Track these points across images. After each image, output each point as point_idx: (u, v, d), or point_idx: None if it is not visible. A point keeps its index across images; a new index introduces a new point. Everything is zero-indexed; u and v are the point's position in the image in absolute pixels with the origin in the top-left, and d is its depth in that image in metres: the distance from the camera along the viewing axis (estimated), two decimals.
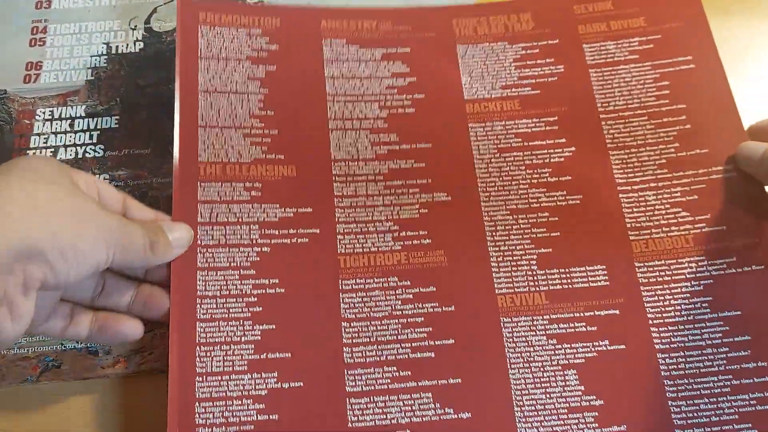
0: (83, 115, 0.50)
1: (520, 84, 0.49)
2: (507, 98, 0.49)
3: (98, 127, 0.50)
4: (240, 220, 0.44)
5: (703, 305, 0.42)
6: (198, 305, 0.41)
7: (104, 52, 0.53)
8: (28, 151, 0.49)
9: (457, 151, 0.47)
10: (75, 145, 0.50)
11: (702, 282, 0.43)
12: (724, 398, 0.41)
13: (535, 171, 0.47)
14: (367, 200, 0.46)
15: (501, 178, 0.46)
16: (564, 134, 0.47)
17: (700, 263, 0.43)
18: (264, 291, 0.42)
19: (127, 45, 0.53)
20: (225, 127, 0.46)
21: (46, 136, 0.50)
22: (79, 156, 0.49)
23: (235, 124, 0.46)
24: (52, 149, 0.50)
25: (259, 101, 0.47)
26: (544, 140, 0.47)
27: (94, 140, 0.50)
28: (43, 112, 0.51)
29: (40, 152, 0.49)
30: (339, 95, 0.48)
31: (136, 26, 0.54)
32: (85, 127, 0.50)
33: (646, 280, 0.43)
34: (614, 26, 0.51)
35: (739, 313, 0.42)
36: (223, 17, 0.49)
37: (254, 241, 0.43)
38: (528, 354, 0.42)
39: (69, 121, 0.50)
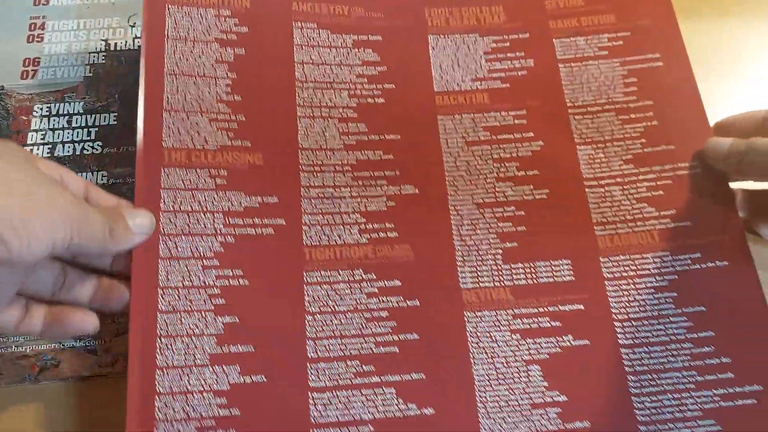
0: (81, 111, 0.50)
1: (490, 77, 0.49)
2: (476, 91, 0.48)
3: (96, 123, 0.50)
4: (204, 208, 0.43)
5: (667, 301, 0.43)
6: (160, 296, 0.40)
7: (103, 49, 0.53)
8: (25, 148, 0.48)
9: (425, 143, 0.47)
10: (73, 141, 0.49)
11: (666, 277, 0.43)
12: (688, 394, 0.41)
13: (503, 164, 0.46)
14: (334, 191, 0.45)
15: (469, 172, 0.46)
16: (532, 128, 0.47)
17: (665, 259, 0.44)
18: (227, 282, 0.42)
19: (126, 42, 0.53)
20: (191, 112, 0.45)
21: (44, 133, 0.49)
22: (77, 153, 0.49)
23: (202, 108, 0.45)
24: (50, 146, 0.49)
25: (226, 86, 0.46)
26: (512, 134, 0.47)
27: (92, 137, 0.49)
28: (41, 109, 0.50)
29: (38, 149, 0.49)
30: (308, 81, 0.47)
31: (135, 23, 0.54)
32: (83, 124, 0.50)
33: (611, 275, 0.44)
34: (585, 22, 0.51)
35: (703, 309, 0.43)
36: None
37: (218, 231, 0.42)
38: (492, 349, 0.42)
39: (67, 117, 0.50)
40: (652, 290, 0.43)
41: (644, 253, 0.44)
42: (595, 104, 0.48)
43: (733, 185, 0.45)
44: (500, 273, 0.44)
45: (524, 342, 0.42)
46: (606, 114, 0.48)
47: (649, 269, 0.44)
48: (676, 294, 0.43)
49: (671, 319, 0.42)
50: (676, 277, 0.43)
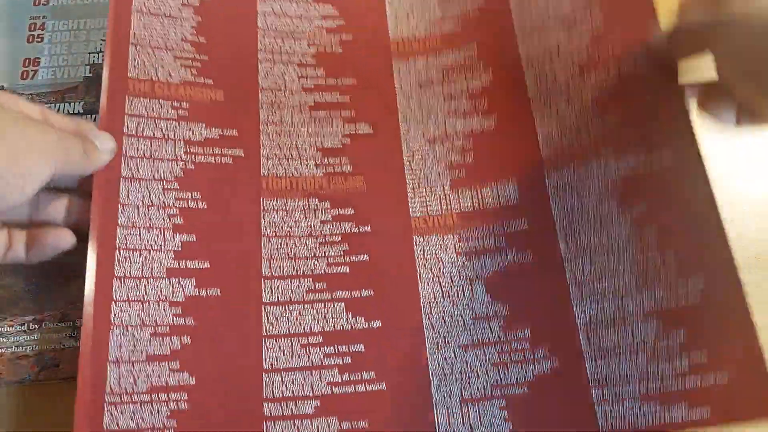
0: (81, 111, 0.50)
1: (443, 22, 0.51)
2: (430, 37, 0.51)
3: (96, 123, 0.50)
4: (166, 135, 0.45)
5: (611, 206, 0.43)
6: (120, 212, 0.42)
7: (102, 49, 0.52)
8: None
9: (380, 86, 0.49)
10: None
11: (609, 183, 0.44)
12: (630, 297, 0.42)
13: (453, 101, 0.49)
14: (291, 128, 0.47)
15: (421, 111, 0.49)
16: (482, 63, 0.49)
17: (607, 164, 0.44)
18: (186, 204, 0.44)
19: None
20: (156, 48, 0.47)
21: None
22: None
23: (167, 46, 0.47)
24: None
25: (192, 27, 0.48)
26: (462, 71, 0.49)
27: None
28: None
29: None
30: (270, 30, 0.50)
31: None
32: None
33: (555, 190, 0.45)
34: None
35: (644, 209, 0.43)
36: None
37: (179, 157, 0.45)
38: (438, 269, 0.44)
39: None
40: (595, 196, 0.44)
41: (588, 162, 0.45)
42: (542, 25, 0.49)
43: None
44: (448, 201, 0.46)
45: (469, 262, 0.44)
46: (552, 30, 0.48)
47: (592, 176, 0.44)
48: (619, 197, 0.43)
49: (614, 225, 0.43)
50: (620, 180, 0.44)
